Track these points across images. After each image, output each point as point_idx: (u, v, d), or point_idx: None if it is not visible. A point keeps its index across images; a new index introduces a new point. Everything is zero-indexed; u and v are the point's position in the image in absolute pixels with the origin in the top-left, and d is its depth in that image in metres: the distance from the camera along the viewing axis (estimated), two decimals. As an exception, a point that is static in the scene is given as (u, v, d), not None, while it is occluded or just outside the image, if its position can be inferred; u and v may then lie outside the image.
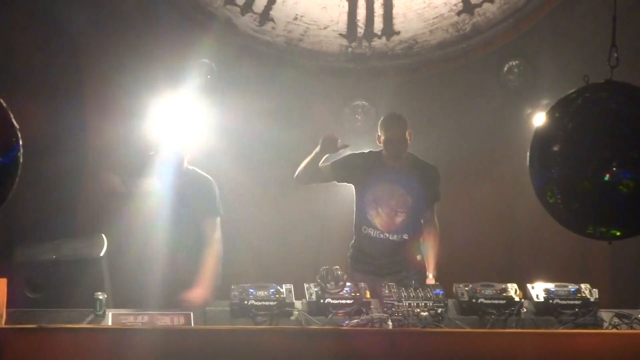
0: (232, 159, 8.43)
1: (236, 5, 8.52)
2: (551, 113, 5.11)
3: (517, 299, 7.25)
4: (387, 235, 8.13)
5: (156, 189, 8.13)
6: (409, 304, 7.20)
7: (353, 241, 8.22)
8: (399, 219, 8.14)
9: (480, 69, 8.75)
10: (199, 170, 7.94)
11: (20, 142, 4.94)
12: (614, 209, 5.01)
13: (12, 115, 4.96)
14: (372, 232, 8.19)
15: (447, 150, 8.44)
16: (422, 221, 8.19)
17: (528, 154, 5.12)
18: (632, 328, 7.17)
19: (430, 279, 7.91)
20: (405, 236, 8.09)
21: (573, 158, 5.03)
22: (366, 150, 8.21)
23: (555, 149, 5.08)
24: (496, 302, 7.23)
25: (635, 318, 7.25)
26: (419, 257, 8.10)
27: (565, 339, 7.01)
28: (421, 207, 8.17)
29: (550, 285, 7.37)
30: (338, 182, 8.14)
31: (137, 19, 8.42)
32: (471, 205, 8.71)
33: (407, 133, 8.04)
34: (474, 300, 7.23)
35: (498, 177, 8.69)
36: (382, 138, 8.03)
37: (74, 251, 7.50)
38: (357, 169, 8.15)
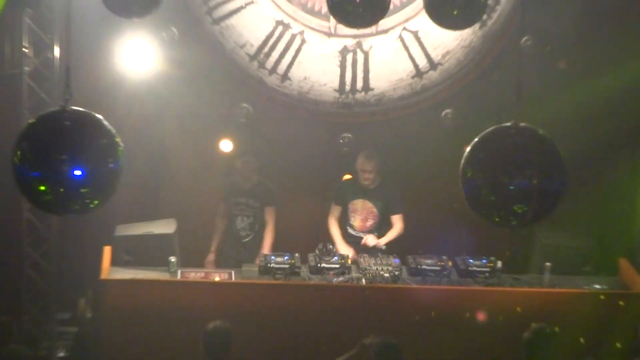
0: (264, 168, 8.42)
1: (265, 69, 8.56)
2: (473, 146, 4.92)
3: (448, 266, 7.46)
4: (362, 234, 8.33)
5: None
6: (377, 268, 7.41)
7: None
8: (369, 223, 8.25)
9: (427, 114, 8.70)
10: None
11: (123, 148, 4.68)
12: (512, 207, 4.76)
13: (114, 131, 4.66)
14: (352, 231, 8.42)
15: (402, 168, 8.51)
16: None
17: (460, 172, 4.92)
18: (521, 287, 7.46)
19: (379, 241, 8.03)
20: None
21: (487, 175, 4.77)
22: (349, 177, 8.39)
23: (476, 169, 4.81)
24: (434, 268, 7.42)
25: (524, 280, 7.53)
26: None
27: (479, 293, 7.33)
28: (387, 215, 8.18)
29: (470, 257, 7.56)
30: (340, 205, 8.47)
31: (201, 78, 8.51)
32: (419, 204, 8.54)
33: (376, 164, 8.03)
34: (419, 267, 7.48)
35: (437, 189, 8.45)
36: (357, 167, 8.19)
37: (155, 229, 7.65)
38: (344, 191, 8.37)
